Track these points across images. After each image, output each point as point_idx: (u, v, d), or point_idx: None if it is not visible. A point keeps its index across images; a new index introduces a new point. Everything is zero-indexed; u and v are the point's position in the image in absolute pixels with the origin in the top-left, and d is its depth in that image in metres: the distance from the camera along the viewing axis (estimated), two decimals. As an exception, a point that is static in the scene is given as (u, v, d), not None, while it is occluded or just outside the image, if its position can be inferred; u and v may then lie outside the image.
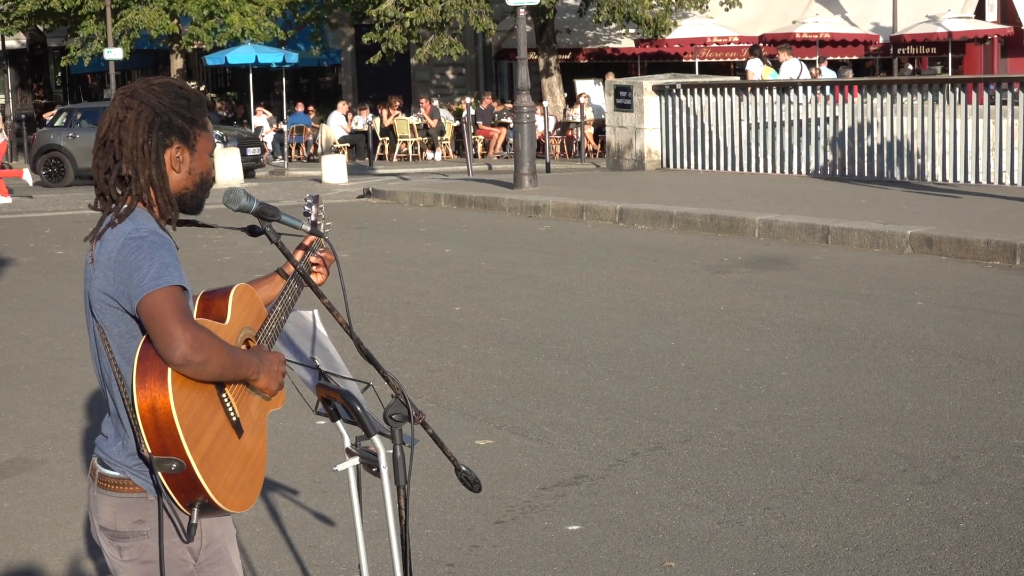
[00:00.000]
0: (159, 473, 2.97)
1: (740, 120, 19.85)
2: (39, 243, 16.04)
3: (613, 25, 32.55)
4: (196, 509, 3.02)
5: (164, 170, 3.14)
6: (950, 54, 32.84)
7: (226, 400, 3.12)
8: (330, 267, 3.58)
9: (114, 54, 31.16)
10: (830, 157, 18.75)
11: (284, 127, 32.78)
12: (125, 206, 3.11)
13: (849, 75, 28.65)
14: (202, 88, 37.17)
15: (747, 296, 10.72)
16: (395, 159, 31.92)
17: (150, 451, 2.97)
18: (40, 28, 40.44)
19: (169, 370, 2.96)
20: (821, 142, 18.86)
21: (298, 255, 3.53)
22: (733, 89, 20.13)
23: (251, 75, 32.00)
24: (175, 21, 33.10)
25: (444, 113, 33.29)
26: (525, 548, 5.51)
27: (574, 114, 31.03)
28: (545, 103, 29.45)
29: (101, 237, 3.09)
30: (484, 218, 17.33)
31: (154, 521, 3.09)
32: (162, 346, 2.94)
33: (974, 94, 16.98)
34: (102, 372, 3.13)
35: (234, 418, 3.13)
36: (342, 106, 33.38)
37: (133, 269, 3.00)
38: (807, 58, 26.77)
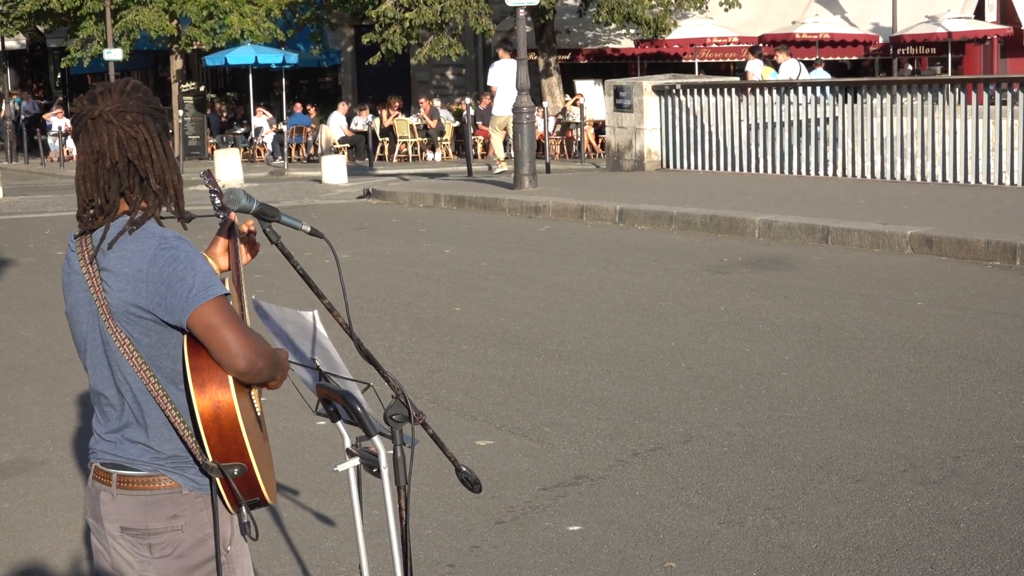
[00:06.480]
0: (216, 479, 3.03)
1: (740, 120, 19.85)
2: (39, 243, 16.03)
3: (613, 25, 32.54)
4: (245, 507, 3.07)
5: (180, 173, 3.21)
6: (950, 54, 32.85)
7: (252, 398, 3.18)
8: (242, 237, 3.43)
9: (114, 55, 31.14)
10: (829, 157, 18.75)
11: (284, 128, 32.78)
12: (139, 214, 3.10)
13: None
14: (201, 88, 37.14)
15: (747, 296, 10.72)
16: (395, 160, 31.92)
17: (212, 459, 3.02)
18: (40, 29, 40.45)
19: (230, 378, 3.00)
20: (821, 142, 18.86)
21: (221, 241, 3.42)
22: (733, 89, 20.13)
23: (251, 76, 32.00)
24: (174, 23, 33.08)
25: (444, 113, 33.28)
26: (526, 549, 5.51)
27: (573, 113, 31.01)
28: (545, 103, 29.44)
29: (112, 246, 3.07)
30: (484, 219, 17.33)
31: (188, 516, 3.10)
32: (225, 357, 2.99)
33: (974, 94, 16.97)
34: (116, 383, 3.11)
35: (259, 414, 3.20)
36: (342, 107, 33.39)
37: (174, 280, 3.01)
38: (806, 58, 26.76)
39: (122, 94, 3.12)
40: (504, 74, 21.46)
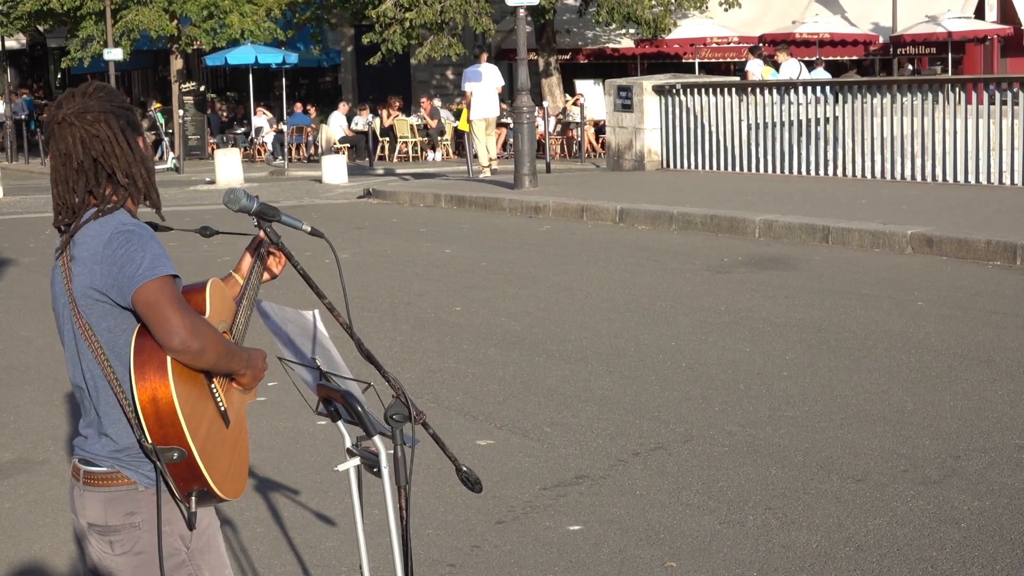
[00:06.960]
0: (162, 463, 3.03)
1: (740, 120, 19.85)
2: (39, 243, 16.03)
3: (613, 25, 32.53)
4: (194, 498, 3.09)
5: (151, 165, 3.24)
6: (950, 54, 32.85)
7: (214, 391, 3.19)
8: (280, 269, 3.56)
9: (114, 55, 31.13)
10: (829, 157, 18.74)
11: (284, 127, 32.78)
12: (110, 204, 3.16)
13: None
14: (201, 88, 37.12)
15: (747, 296, 10.72)
16: (395, 160, 31.92)
17: (151, 442, 3.03)
18: (40, 29, 40.44)
19: (169, 360, 3.02)
20: (821, 142, 18.85)
21: (248, 257, 3.51)
22: (733, 89, 20.12)
23: (251, 75, 32.00)
24: (174, 22, 33.07)
25: (444, 113, 33.28)
26: (526, 548, 5.51)
27: (573, 113, 31.01)
28: (545, 103, 29.43)
29: (78, 232, 3.13)
30: (484, 218, 17.33)
31: (145, 513, 3.13)
32: (161, 334, 3.01)
33: (974, 94, 16.97)
34: (83, 372, 3.15)
35: (222, 408, 3.21)
36: (342, 106, 33.38)
37: (125, 262, 3.05)
38: (807, 58, 26.75)
39: (84, 96, 3.20)
40: (481, 78, 22.65)
